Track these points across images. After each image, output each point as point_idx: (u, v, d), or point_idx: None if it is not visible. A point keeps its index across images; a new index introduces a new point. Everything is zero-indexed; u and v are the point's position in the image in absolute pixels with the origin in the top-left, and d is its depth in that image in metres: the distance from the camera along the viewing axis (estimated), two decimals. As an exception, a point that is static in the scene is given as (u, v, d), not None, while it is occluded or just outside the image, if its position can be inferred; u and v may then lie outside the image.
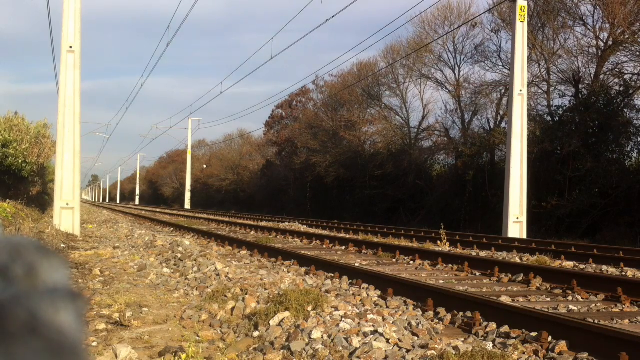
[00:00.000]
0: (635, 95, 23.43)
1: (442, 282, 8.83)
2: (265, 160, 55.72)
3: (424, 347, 4.73)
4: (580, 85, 24.90)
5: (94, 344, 5.10)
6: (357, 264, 10.57)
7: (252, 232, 20.47)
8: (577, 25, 25.67)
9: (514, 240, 16.25)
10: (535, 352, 4.68)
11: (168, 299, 7.53)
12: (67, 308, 0.53)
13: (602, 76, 24.35)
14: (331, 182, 38.60)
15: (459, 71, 32.89)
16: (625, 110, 23.30)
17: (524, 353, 4.65)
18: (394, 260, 11.75)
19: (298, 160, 43.36)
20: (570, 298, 7.47)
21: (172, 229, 22.59)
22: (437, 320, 5.93)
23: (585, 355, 4.59)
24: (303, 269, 9.80)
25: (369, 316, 5.64)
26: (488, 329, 5.42)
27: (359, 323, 5.36)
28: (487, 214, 26.58)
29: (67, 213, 17.61)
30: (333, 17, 22.16)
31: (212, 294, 7.11)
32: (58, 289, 0.54)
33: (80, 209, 18.40)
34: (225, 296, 6.98)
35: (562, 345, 4.74)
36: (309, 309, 5.77)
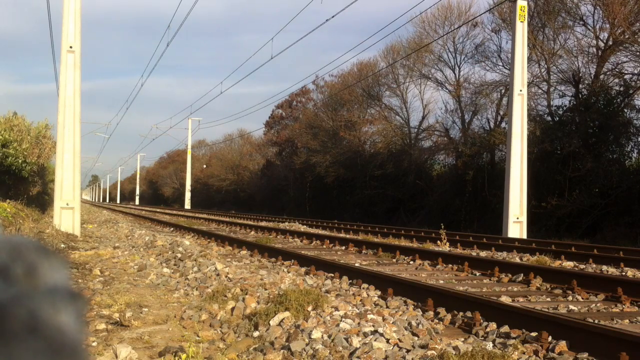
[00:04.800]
0: (635, 95, 23.44)
1: (442, 282, 8.83)
2: (265, 160, 55.73)
3: (424, 347, 4.73)
4: (580, 85, 24.91)
5: (94, 344, 5.10)
6: (357, 264, 10.57)
7: (252, 232, 20.47)
8: (577, 25, 25.69)
9: (514, 240, 16.24)
10: (535, 352, 4.68)
11: (168, 299, 7.53)
12: (67, 308, 0.53)
13: (602, 76, 24.35)
14: (331, 182, 38.59)
15: (459, 71, 32.92)
16: (625, 110, 23.30)
17: (524, 353, 4.65)
18: (394, 260, 11.75)
19: (298, 160, 43.36)
20: (570, 298, 7.47)
21: (172, 229, 22.58)
22: (437, 320, 5.93)
23: (585, 355, 4.59)
24: (303, 269, 9.80)
25: (369, 316, 5.64)
26: (488, 329, 5.42)
27: (359, 323, 5.36)
28: (487, 214, 26.58)
29: (67, 213, 17.61)
30: (333, 17, 22.17)
31: (212, 294, 7.11)
32: (58, 289, 0.54)
33: (80, 209, 18.40)
34: (225, 296, 6.98)
35: (562, 345, 4.74)
36: (309, 309, 5.77)
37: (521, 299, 7.33)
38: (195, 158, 70.99)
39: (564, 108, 25.12)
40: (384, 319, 5.56)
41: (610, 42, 24.19)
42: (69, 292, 0.55)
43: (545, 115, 26.10)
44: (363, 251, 13.38)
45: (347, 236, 17.71)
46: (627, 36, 23.59)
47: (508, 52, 26.90)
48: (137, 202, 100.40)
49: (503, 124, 28.80)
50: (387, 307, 6.48)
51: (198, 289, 7.96)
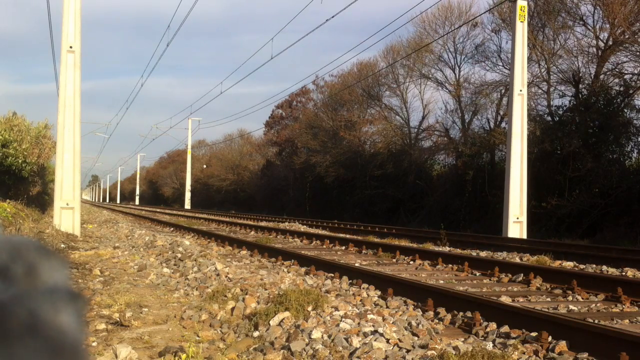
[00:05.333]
0: (635, 95, 23.42)
1: (442, 282, 8.82)
2: (265, 160, 55.71)
3: (424, 347, 4.73)
4: (580, 85, 24.90)
5: (94, 344, 5.10)
6: (357, 264, 10.56)
7: (252, 232, 20.47)
8: (577, 25, 25.66)
9: (514, 240, 16.24)
10: (535, 352, 4.68)
11: (168, 299, 7.53)
12: (67, 308, 0.53)
13: (602, 76, 24.34)
14: (331, 182, 38.58)
15: (459, 71, 32.89)
16: (625, 110, 23.29)
17: (524, 353, 4.65)
18: (394, 260, 11.74)
19: (298, 160, 43.34)
20: (570, 298, 7.47)
21: (172, 229, 22.58)
22: (437, 320, 5.93)
23: (585, 355, 4.59)
24: (303, 269, 9.80)
25: (369, 316, 5.64)
26: (488, 329, 5.42)
27: (359, 323, 5.36)
28: (487, 214, 26.57)
29: (67, 213, 17.60)
30: (333, 17, 22.17)
31: (212, 294, 7.11)
32: (58, 289, 0.54)
33: (80, 209, 18.39)
34: (225, 296, 6.98)
35: (562, 345, 4.74)
36: (309, 309, 5.77)
37: (521, 299, 7.33)
38: (195, 158, 70.97)
39: (564, 108, 25.12)
40: (384, 319, 5.56)
41: (610, 42, 24.18)
42: (69, 292, 0.55)
43: (545, 115, 26.09)
44: (363, 251, 13.38)
45: (347, 236, 17.70)
46: (627, 36, 23.58)
47: (508, 52, 26.90)
48: (137, 202, 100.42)
49: (503, 124, 28.78)
50: (387, 307, 6.48)
51: (198, 289, 7.96)
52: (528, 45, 21.28)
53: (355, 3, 21.25)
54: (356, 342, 4.77)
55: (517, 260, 11.33)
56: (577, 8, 25.41)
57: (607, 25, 24.13)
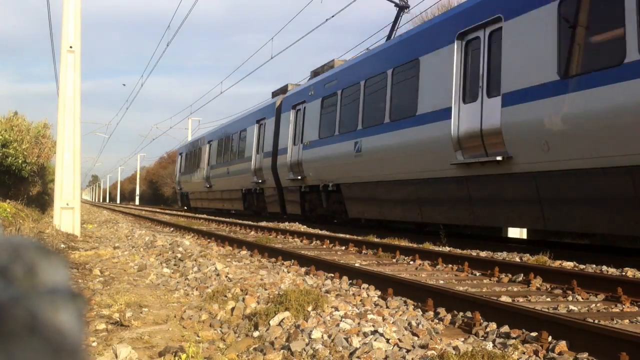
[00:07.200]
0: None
1: (442, 282, 8.82)
2: (265, 160, 55.63)
3: (424, 347, 4.73)
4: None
5: (94, 344, 5.10)
6: (357, 264, 10.56)
7: (252, 232, 20.48)
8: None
9: (514, 240, 16.24)
10: (535, 352, 4.68)
11: (168, 299, 7.53)
12: (67, 308, 0.53)
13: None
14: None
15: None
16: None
17: (524, 353, 4.65)
18: (394, 260, 11.75)
19: (298, 160, 43.26)
20: (570, 298, 7.47)
21: (172, 229, 22.59)
22: (437, 320, 5.93)
23: (585, 355, 4.59)
24: (303, 269, 9.80)
25: (369, 316, 5.64)
26: (488, 329, 5.42)
27: (359, 323, 5.36)
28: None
29: (67, 213, 17.61)
30: (333, 17, 22.20)
31: (212, 294, 7.11)
32: (58, 289, 0.54)
33: (80, 209, 18.40)
34: (225, 296, 6.98)
35: (562, 345, 4.74)
36: (309, 309, 5.77)
37: (521, 299, 7.32)
38: (195, 158, 70.78)
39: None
40: (384, 319, 5.56)
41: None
42: (69, 292, 0.55)
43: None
44: (363, 251, 13.38)
45: (347, 236, 17.70)
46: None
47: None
48: (137, 202, 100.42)
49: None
50: (387, 307, 6.48)
51: (198, 289, 7.96)
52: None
53: (355, 3, 21.27)
54: (356, 342, 4.77)
55: (517, 260, 11.33)
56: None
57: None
